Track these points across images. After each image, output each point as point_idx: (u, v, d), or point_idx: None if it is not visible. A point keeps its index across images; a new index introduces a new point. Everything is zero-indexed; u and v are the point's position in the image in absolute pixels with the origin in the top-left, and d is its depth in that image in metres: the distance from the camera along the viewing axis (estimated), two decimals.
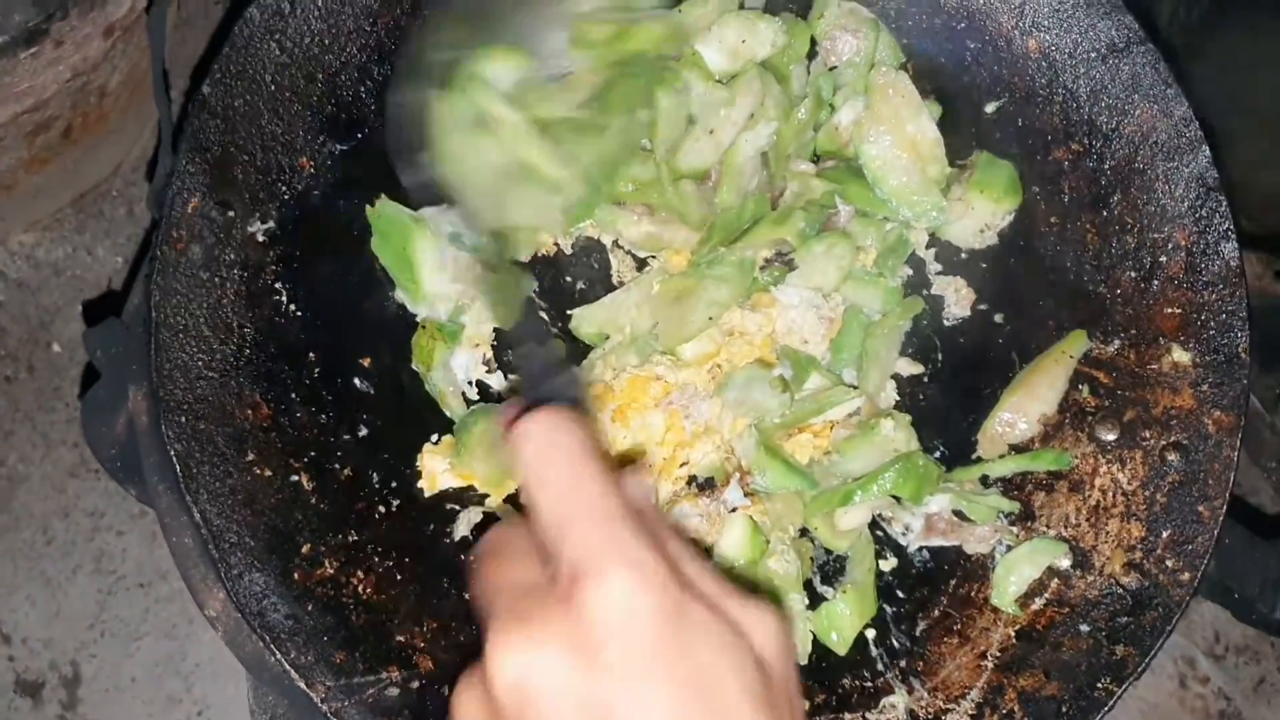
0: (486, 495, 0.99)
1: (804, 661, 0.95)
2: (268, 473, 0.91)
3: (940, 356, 1.06)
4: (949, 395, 1.05)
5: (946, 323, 1.07)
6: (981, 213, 1.05)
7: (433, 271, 0.99)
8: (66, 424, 1.61)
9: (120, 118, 1.52)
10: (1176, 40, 1.63)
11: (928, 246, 1.08)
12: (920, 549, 1.00)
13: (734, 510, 0.97)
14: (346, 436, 0.97)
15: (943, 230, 1.07)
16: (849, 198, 1.04)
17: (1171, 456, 0.96)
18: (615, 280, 1.06)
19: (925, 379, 1.06)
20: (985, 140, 1.08)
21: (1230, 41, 1.63)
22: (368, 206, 1.00)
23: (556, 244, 1.07)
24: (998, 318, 1.07)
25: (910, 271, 1.07)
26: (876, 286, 1.04)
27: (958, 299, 1.07)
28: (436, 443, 1.00)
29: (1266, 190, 1.62)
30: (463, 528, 0.97)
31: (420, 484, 0.99)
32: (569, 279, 1.06)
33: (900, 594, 0.99)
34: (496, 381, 1.02)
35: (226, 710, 1.52)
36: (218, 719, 1.52)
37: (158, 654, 1.54)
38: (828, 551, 1.00)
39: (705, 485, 1.01)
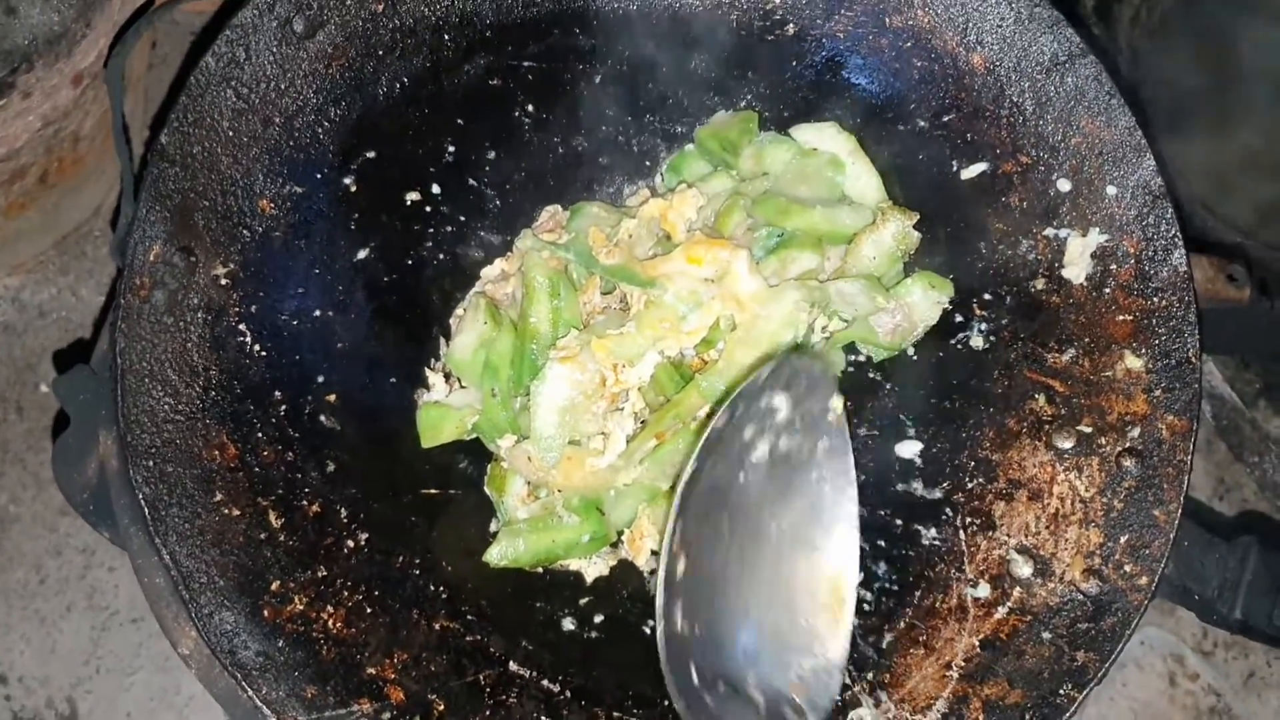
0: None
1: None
2: (235, 512, 0.93)
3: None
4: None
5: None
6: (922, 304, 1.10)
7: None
8: None
9: (97, 160, 1.53)
10: (1140, 44, 1.64)
11: None
12: (882, 564, 1.01)
13: None
14: (314, 473, 0.98)
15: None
16: None
17: (1127, 463, 0.97)
18: None
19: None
20: (935, 156, 1.09)
21: (1196, 37, 1.64)
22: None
23: None
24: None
25: None
26: None
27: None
28: None
29: (1246, 191, 1.62)
30: None
31: None
32: None
33: (866, 606, 1.00)
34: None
35: None
36: None
37: (152, 688, 1.55)
38: None
39: None
